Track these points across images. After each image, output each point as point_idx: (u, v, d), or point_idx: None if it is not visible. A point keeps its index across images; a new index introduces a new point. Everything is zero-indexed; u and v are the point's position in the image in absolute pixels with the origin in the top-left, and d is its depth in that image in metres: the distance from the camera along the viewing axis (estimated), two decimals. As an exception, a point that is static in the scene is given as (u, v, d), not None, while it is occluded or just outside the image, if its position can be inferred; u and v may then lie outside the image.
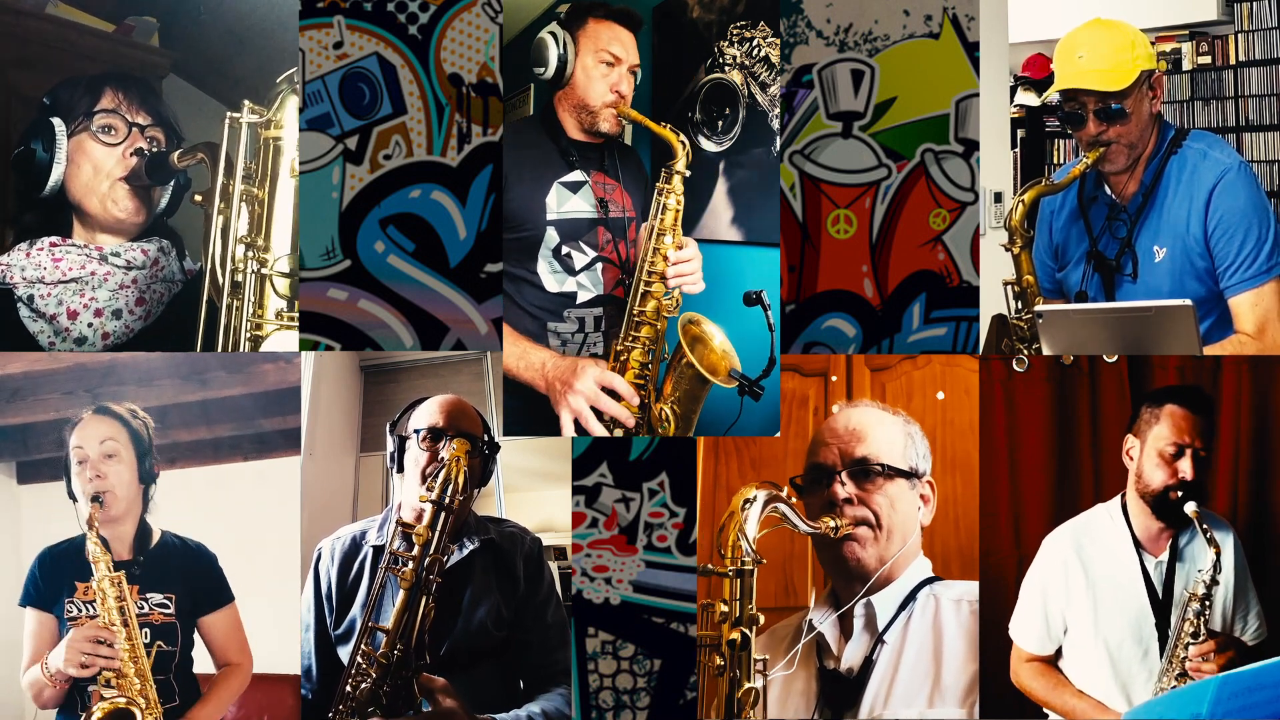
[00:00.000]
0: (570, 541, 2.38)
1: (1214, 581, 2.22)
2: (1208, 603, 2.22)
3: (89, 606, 2.32)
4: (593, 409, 2.36)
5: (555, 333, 2.48)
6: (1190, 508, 2.23)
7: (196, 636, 2.42)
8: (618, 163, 2.54)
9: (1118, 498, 2.36)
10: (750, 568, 2.11)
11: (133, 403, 2.41)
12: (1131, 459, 2.33)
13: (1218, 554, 2.21)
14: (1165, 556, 2.30)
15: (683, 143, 2.41)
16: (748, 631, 2.09)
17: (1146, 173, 2.68)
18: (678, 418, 2.42)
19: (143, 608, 2.34)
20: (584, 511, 2.37)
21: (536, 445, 2.50)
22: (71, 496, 2.37)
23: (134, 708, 2.24)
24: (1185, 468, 2.26)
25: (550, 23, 2.50)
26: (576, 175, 2.49)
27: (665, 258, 2.40)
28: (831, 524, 2.14)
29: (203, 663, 2.43)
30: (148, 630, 2.33)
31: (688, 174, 2.41)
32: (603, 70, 2.45)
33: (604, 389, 2.37)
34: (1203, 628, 2.22)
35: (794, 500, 2.16)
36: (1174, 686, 2.22)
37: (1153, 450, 2.29)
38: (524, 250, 2.46)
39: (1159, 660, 2.27)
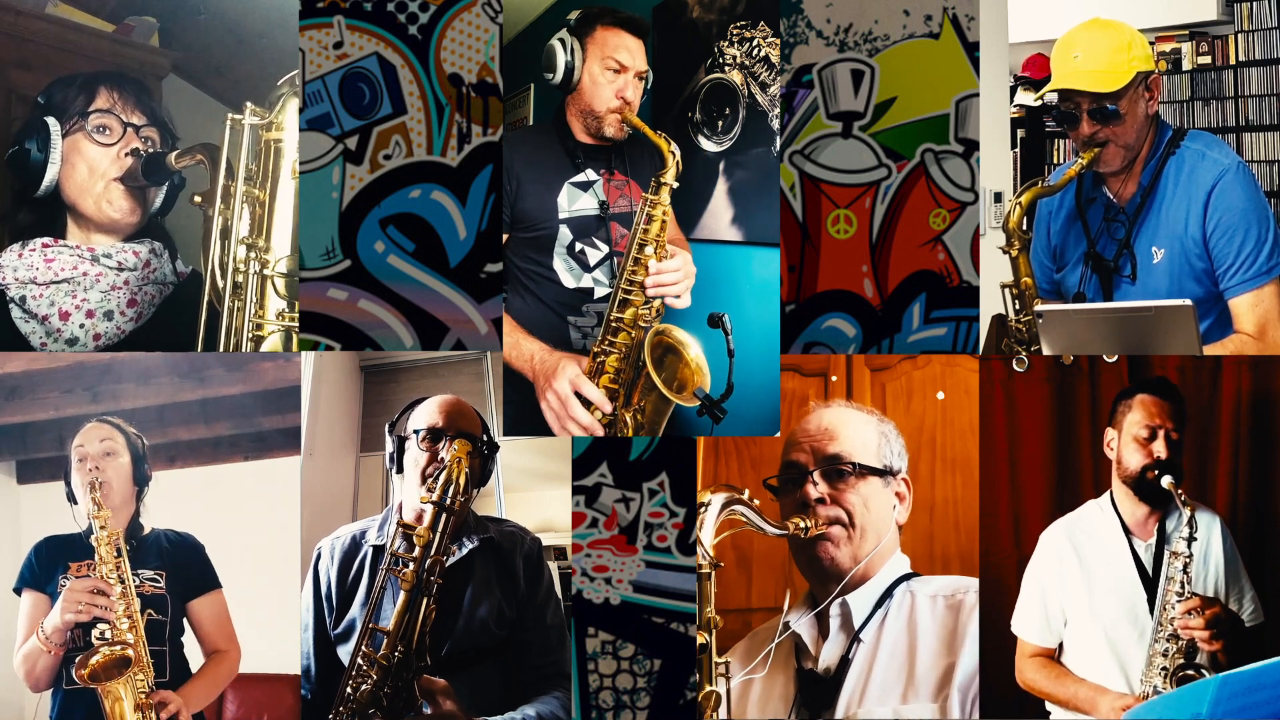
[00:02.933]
0: (570, 541, 2.38)
1: (1191, 539, 2.28)
2: (1189, 559, 2.28)
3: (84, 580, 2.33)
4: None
5: (576, 326, 2.50)
6: (1167, 480, 2.31)
7: (186, 625, 2.42)
8: (627, 161, 2.55)
9: (1107, 492, 2.39)
10: (708, 571, 2.10)
11: (131, 404, 2.46)
12: (1112, 449, 2.39)
13: (1193, 513, 2.28)
14: (1154, 540, 2.34)
15: (673, 153, 2.39)
16: (707, 636, 2.08)
17: (1144, 173, 2.67)
18: (640, 426, 2.42)
19: (135, 580, 2.35)
20: (584, 511, 2.37)
21: (536, 445, 2.50)
22: (71, 499, 2.38)
23: (129, 653, 2.25)
24: (1159, 448, 2.34)
25: (550, 24, 2.51)
26: (586, 175, 2.51)
27: (646, 268, 2.40)
28: (801, 525, 2.13)
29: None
30: (140, 599, 2.34)
31: (675, 185, 2.40)
32: (609, 77, 2.46)
33: (578, 394, 2.37)
34: (1187, 586, 2.28)
35: (757, 502, 2.14)
36: (1166, 649, 2.27)
37: (1129, 436, 2.36)
38: (540, 248, 2.48)
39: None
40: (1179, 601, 2.27)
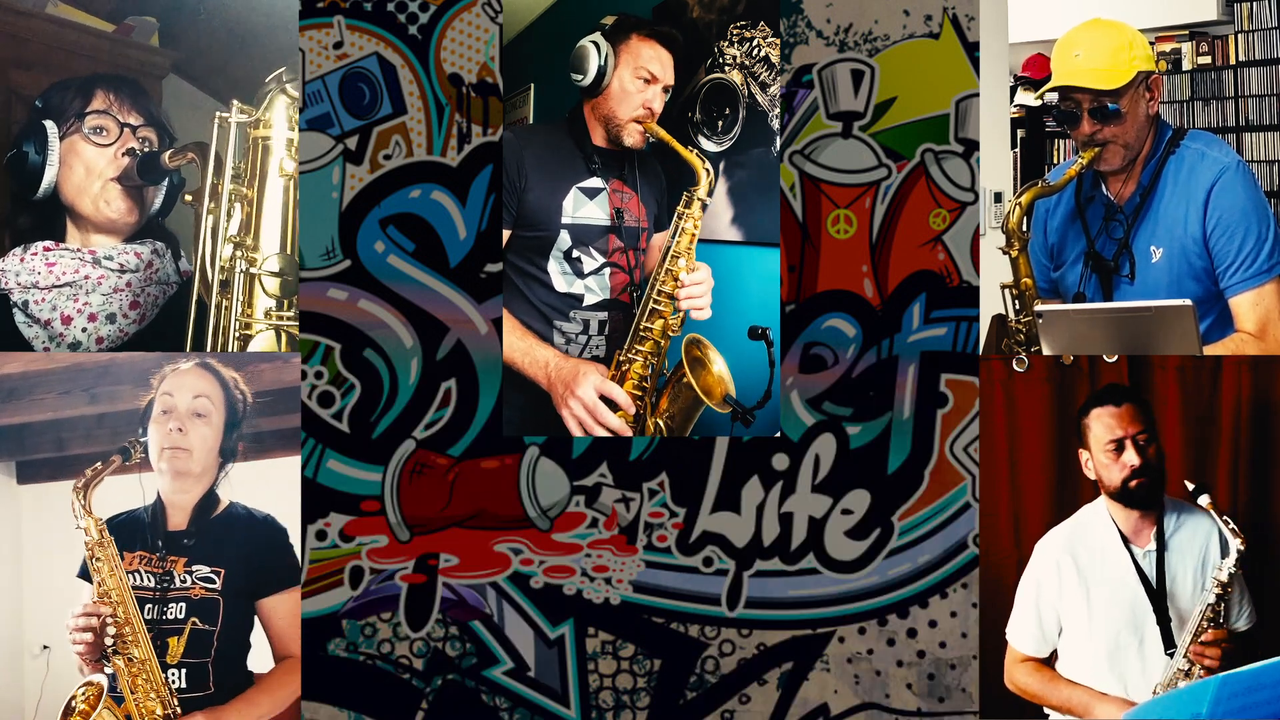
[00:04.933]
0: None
1: (1239, 566, 2.24)
2: (1230, 589, 2.25)
3: (131, 576, 2.25)
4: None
5: (561, 331, 2.50)
6: (1204, 500, 2.28)
7: (257, 623, 2.28)
8: (636, 172, 2.56)
9: (1101, 497, 2.39)
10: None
11: (129, 405, 2.35)
12: (1090, 470, 2.38)
13: (1245, 546, 2.25)
14: (1152, 545, 2.34)
15: (707, 170, 2.45)
16: None
17: (1144, 173, 2.68)
18: (670, 432, 2.44)
19: (185, 581, 2.25)
20: (584, 511, 2.37)
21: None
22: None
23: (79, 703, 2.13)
24: (1130, 457, 2.32)
25: (550, 25, 2.51)
26: (595, 182, 2.51)
27: (676, 279, 2.45)
28: None
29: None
30: (183, 605, 2.24)
31: (709, 201, 2.45)
32: (638, 86, 2.48)
33: (603, 398, 2.38)
34: (1221, 619, 2.25)
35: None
36: (1188, 669, 2.25)
37: (1099, 453, 2.35)
38: (537, 249, 2.48)
39: (1155, 648, 2.29)
40: (1210, 628, 2.24)
